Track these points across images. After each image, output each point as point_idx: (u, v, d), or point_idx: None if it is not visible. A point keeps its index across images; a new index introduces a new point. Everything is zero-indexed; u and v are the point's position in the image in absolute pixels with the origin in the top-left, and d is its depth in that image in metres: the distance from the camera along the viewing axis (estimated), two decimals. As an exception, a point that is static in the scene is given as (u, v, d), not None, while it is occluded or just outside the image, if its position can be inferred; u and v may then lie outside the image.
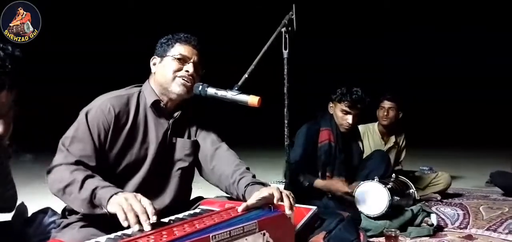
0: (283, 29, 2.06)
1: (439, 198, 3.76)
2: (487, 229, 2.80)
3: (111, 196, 1.45)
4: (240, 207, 1.57)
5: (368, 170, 2.96)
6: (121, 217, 1.36)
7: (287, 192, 1.60)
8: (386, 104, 3.73)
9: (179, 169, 1.82)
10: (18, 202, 1.83)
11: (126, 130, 1.70)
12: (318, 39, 9.30)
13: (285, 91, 2.12)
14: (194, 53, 1.78)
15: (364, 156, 3.26)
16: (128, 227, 1.37)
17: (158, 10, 9.05)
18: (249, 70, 1.95)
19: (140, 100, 1.77)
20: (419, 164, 4.67)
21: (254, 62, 1.99)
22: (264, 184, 1.71)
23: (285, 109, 2.12)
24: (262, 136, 7.29)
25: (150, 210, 1.38)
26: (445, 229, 2.81)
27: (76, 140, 1.61)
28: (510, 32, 9.03)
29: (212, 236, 1.27)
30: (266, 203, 1.59)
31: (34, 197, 1.88)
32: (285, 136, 2.13)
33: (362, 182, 2.73)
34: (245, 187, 1.68)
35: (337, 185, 2.80)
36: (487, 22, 9.73)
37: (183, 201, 1.84)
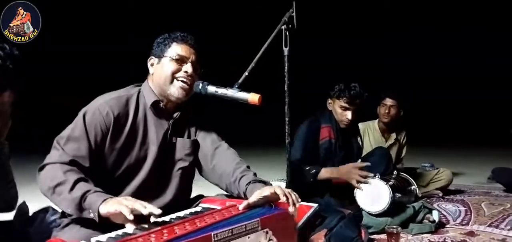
0: (284, 27, 2.06)
1: (440, 194, 3.75)
2: (489, 225, 2.79)
3: (104, 200, 1.45)
4: (241, 205, 1.57)
5: (369, 167, 2.94)
6: (124, 210, 1.36)
7: (290, 190, 1.60)
8: (388, 101, 3.72)
9: (179, 168, 1.82)
10: (19, 202, 1.84)
11: (125, 131, 1.70)
12: (318, 39, 9.30)
13: (286, 89, 2.11)
14: (191, 53, 1.77)
15: (365, 153, 3.26)
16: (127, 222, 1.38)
17: (158, 10, 9.05)
18: (249, 68, 1.95)
19: (139, 101, 1.76)
20: (420, 160, 4.66)
21: (255, 60, 1.98)
22: (265, 183, 1.71)
23: (286, 107, 2.11)
24: (263, 134, 7.28)
25: (151, 207, 1.39)
26: (447, 226, 2.80)
27: (71, 139, 1.61)
28: (510, 32, 9.02)
29: (214, 234, 1.27)
30: (268, 202, 1.59)
31: (35, 196, 1.89)
32: (286, 134, 2.13)
33: (371, 174, 2.69)
34: (246, 185, 1.68)
35: (348, 170, 2.72)
36: (487, 22, 9.72)
37: (184, 200, 1.83)
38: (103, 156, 1.66)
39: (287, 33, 2.06)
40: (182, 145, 1.82)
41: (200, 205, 1.77)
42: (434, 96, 10.26)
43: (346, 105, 2.87)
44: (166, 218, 1.52)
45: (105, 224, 1.44)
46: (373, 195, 2.66)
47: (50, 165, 1.56)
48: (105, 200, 1.45)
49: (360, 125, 3.65)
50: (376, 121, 3.89)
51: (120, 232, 1.37)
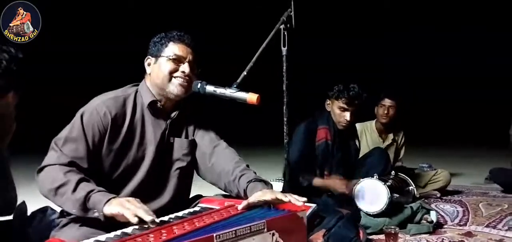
0: (282, 26, 2.06)
1: (438, 195, 3.75)
2: (487, 226, 2.80)
3: (108, 200, 1.46)
4: (241, 205, 1.57)
5: (368, 167, 2.95)
6: (127, 214, 1.39)
7: (290, 194, 1.59)
8: (387, 102, 3.72)
9: (177, 168, 1.81)
10: (19, 201, 1.84)
11: (123, 132, 1.70)
12: (318, 39, 9.30)
13: (284, 88, 2.11)
14: (188, 52, 1.77)
15: (362, 154, 3.26)
16: (130, 223, 1.39)
17: (158, 10, 9.04)
18: (247, 67, 1.95)
19: (137, 101, 1.76)
20: (418, 161, 4.67)
21: (253, 60, 1.98)
22: (266, 182, 1.70)
23: (284, 107, 2.11)
24: (261, 134, 7.28)
25: (151, 212, 1.41)
26: (445, 226, 2.81)
27: (69, 140, 1.61)
28: (510, 32, 9.03)
29: (216, 235, 1.25)
30: (266, 203, 1.58)
31: (34, 197, 1.89)
32: (284, 134, 2.13)
33: (361, 180, 2.73)
34: (247, 183, 1.67)
35: (336, 184, 2.81)
36: (487, 22, 9.73)
37: (182, 200, 1.83)
38: (100, 157, 1.66)
39: (286, 33, 2.05)
40: (179, 145, 1.82)
41: (198, 205, 1.77)
42: (434, 96, 10.26)
43: (345, 106, 2.87)
44: (165, 218, 1.52)
45: (109, 223, 1.44)
46: (371, 196, 2.66)
47: (49, 167, 1.56)
48: (109, 200, 1.47)
49: (358, 126, 3.65)
50: (374, 122, 3.89)
51: (119, 232, 1.37)
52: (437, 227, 2.72)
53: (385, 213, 2.62)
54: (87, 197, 1.48)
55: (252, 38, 2.39)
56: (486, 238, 2.53)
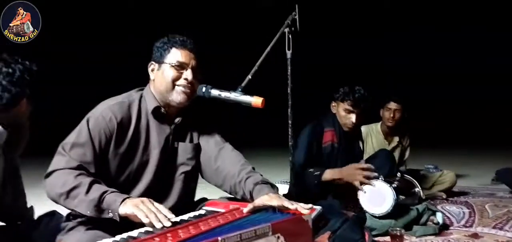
0: (286, 30, 2.06)
1: (444, 196, 3.74)
2: (493, 227, 2.78)
3: (123, 200, 1.47)
4: (246, 208, 1.57)
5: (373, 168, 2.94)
6: (140, 215, 1.41)
7: (296, 203, 1.59)
8: (393, 105, 3.71)
9: (182, 173, 1.82)
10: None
11: (128, 136, 1.70)
12: (318, 39, 9.29)
13: (289, 91, 2.12)
14: (191, 58, 1.76)
15: (368, 156, 3.25)
16: (142, 225, 1.41)
17: (158, 10, 9.07)
18: (252, 71, 1.95)
19: (141, 106, 1.77)
20: (424, 162, 4.65)
21: (258, 63, 1.99)
22: (272, 185, 1.70)
23: (289, 110, 2.12)
24: (266, 136, 7.28)
25: (166, 211, 1.43)
26: (451, 228, 2.79)
27: (76, 145, 1.61)
28: (510, 32, 9.00)
29: (221, 239, 1.24)
30: (272, 207, 1.58)
31: (40, 200, 1.91)
32: (289, 136, 2.13)
33: (374, 174, 2.68)
34: (254, 185, 1.67)
35: (349, 171, 2.70)
36: (487, 22, 9.69)
37: (187, 204, 1.83)
38: (107, 162, 1.67)
39: (290, 36, 2.06)
40: (184, 149, 1.82)
41: (203, 208, 1.77)
42: (436, 96, 10.24)
43: (350, 108, 2.86)
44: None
45: (124, 223, 1.45)
46: (377, 197, 2.65)
47: (59, 171, 1.57)
48: (123, 200, 1.48)
49: (363, 128, 3.64)
50: (379, 124, 3.88)
51: (125, 235, 1.38)
52: (443, 228, 2.71)
53: (391, 215, 2.61)
54: (101, 198, 1.49)
55: (256, 40, 2.39)
56: (492, 239, 2.52)
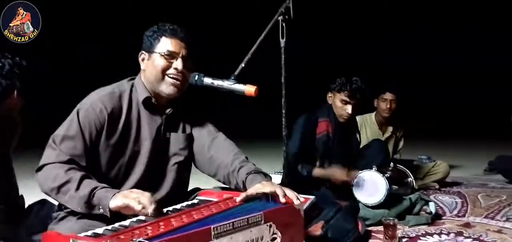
0: (280, 18, 2.04)
1: (437, 186, 3.76)
2: (485, 217, 2.80)
3: (113, 195, 1.47)
4: (239, 197, 1.57)
5: (367, 159, 2.95)
6: (132, 203, 1.41)
7: (289, 190, 1.59)
8: (389, 96, 3.71)
9: (175, 163, 1.80)
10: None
11: (119, 127, 1.68)
12: (318, 39, 9.28)
13: (283, 81, 2.10)
14: (182, 47, 1.72)
15: (362, 146, 3.26)
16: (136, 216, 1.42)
17: (158, 10, 9.01)
18: (245, 59, 1.93)
19: (132, 96, 1.74)
20: (417, 153, 4.67)
21: (251, 52, 1.97)
22: (265, 174, 1.70)
23: (283, 100, 2.10)
24: (259, 126, 7.28)
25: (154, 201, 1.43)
26: (443, 217, 2.81)
27: (67, 138, 1.60)
28: (510, 32, 9.03)
29: (213, 227, 1.24)
30: (265, 195, 1.58)
31: (33, 193, 1.91)
32: (283, 126, 2.12)
33: (360, 171, 2.73)
34: (246, 174, 1.67)
35: (336, 173, 2.80)
36: (487, 22, 9.72)
37: (181, 194, 1.82)
38: (98, 153, 1.65)
39: (284, 25, 2.04)
40: (176, 139, 1.81)
41: (197, 197, 1.77)
42: (436, 96, 10.27)
43: (347, 99, 2.86)
44: (163, 210, 1.52)
45: (115, 218, 1.45)
46: (370, 187, 2.66)
47: (49, 165, 1.55)
48: (113, 195, 1.47)
49: (357, 118, 3.64)
50: (373, 114, 3.89)
51: (116, 224, 1.37)
52: (435, 218, 2.73)
53: (384, 204, 2.62)
54: (91, 194, 1.48)
55: (250, 29, 2.37)
56: (484, 229, 2.54)
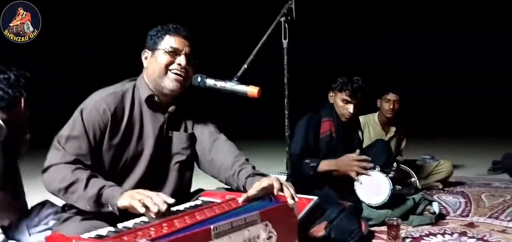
0: (282, 19, 2.04)
1: (441, 186, 3.75)
2: (489, 217, 2.79)
3: (121, 193, 1.47)
4: (241, 198, 1.57)
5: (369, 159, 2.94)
6: (136, 205, 1.40)
7: (287, 183, 1.60)
8: (392, 96, 3.71)
9: (177, 162, 1.81)
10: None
11: (122, 127, 1.69)
12: (318, 39, 9.26)
13: (285, 81, 2.10)
14: (185, 44, 1.75)
15: (365, 146, 3.25)
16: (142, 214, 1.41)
17: (158, 10, 9.02)
18: (248, 60, 1.94)
19: (135, 96, 1.76)
20: (421, 153, 4.66)
21: (253, 53, 1.98)
22: (264, 175, 1.71)
23: (286, 100, 2.10)
24: (262, 127, 7.28)
25: (164, 196, 1.43)
26: (447, 217, 2.80)
27: (71, 138, 1.61)
28: (510, 32, 9.01)
29: (213, 227, 1.27)
30: (267, 194, 1.59)
31: (33, 191, 1.92)
32: (286, 127, 2.13)
33: (370, 165, 2.68)
34: (245, 178, 1.68)
35: (343, 162, 2.71)
36: (487, 22, 9.69)
37: (183, 194, 1.83)
38: (101, 153, 1.66)
39: (286, 25, 2.04)
40: (178, 139, 1.82)
41: (200, 198, 1.78)
42: (436, 96, 10.25)
43: (348, 98, 2.86)
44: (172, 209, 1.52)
45: (121, 215, 1.45)
46: (373, 187, 2.65)
47: (55, 166, 1.56)
48: (121, 193, 1.48)
49: (361, 118, 3.64)
50: (376, 114, 3.89)
51: (120, 225, 1.38)
52: (439, 218, 2.71)
53: (387, 204, 2.61)
54: (99, 193, 1.49)
55: (253, 30, 2.38)
56: (488, 229, 2.53)
